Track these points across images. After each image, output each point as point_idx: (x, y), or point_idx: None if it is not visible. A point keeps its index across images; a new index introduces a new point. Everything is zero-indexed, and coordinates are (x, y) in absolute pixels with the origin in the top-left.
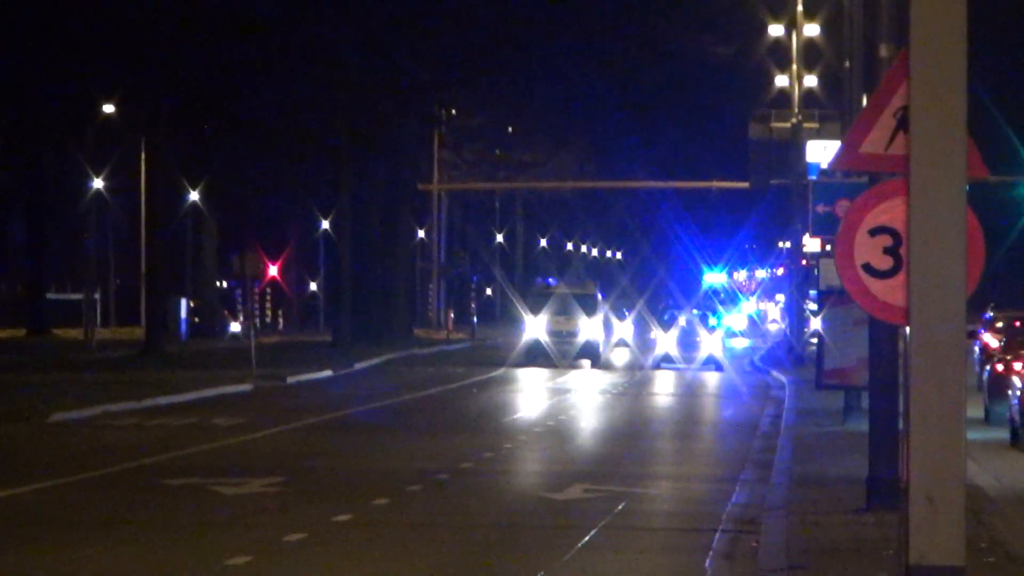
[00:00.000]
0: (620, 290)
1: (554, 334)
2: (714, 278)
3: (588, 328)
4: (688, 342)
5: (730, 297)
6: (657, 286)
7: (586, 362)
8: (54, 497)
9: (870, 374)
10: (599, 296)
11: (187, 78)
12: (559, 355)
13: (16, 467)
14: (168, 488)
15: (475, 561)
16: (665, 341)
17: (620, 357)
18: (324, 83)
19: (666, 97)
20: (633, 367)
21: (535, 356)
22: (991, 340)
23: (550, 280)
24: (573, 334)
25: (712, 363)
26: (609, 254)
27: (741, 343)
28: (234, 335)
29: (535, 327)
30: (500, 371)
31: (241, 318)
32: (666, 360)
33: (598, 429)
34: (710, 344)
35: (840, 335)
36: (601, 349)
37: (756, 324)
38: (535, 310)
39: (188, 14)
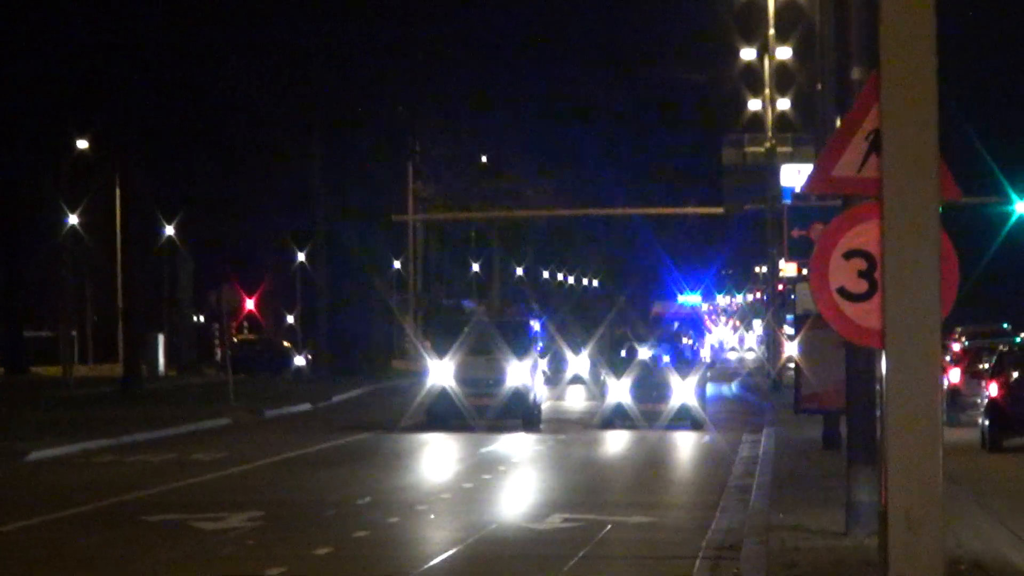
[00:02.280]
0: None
1: (467, 382)
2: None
3: (517, 372)
4: (650, 387)
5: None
6: (619, 314)
7: (516, 421)
8: (34, 535)
9: (847, 398)
10: (534, 326)
11: (159, 108)
12: (473, 412)
13: None
14: (148, 524)
15: None
16: (618, 388)
17: (573, 402)
18: (297, 111)
19: (638, 124)
20: (583, 421)
21: (440, 412)
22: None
23: (466, 302)
24: (495, 382)
25: (687, 418)
26: (586, 282)
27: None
28: (298, 368)
29: (441, 371)
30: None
31: (221, 353)
32: (619, 415)
33: None
34: (682, 391)
35: (817, 359)
36: (534, 400)
37: (718, 353)
38: (442, 345)
39: (158, 50)
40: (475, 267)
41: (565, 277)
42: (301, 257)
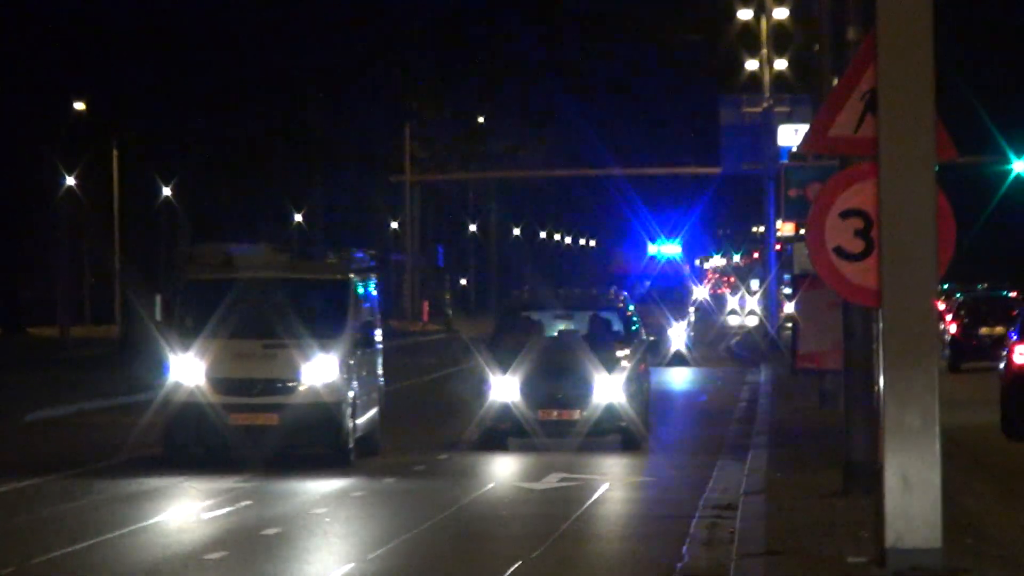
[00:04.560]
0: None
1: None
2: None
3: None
4: (556, 382)
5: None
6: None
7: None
8: (33, 495)
9: (844, 357)
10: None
11: (156, 74)
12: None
13: None
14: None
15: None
16: (504, 385)
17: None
18: (293, 72)
19: (636, 83)
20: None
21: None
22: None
23: (235, 249)
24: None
25: (615, 429)
26: (583, 242)
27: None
28: None
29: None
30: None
31: None
32: (507, 426)
33: None
34: (607, 387)
35: (814, 319)
36: (344, 422)
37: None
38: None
39: (157, 17)
40: (472, 227)
41: (563, 237)
42: (298, 218)
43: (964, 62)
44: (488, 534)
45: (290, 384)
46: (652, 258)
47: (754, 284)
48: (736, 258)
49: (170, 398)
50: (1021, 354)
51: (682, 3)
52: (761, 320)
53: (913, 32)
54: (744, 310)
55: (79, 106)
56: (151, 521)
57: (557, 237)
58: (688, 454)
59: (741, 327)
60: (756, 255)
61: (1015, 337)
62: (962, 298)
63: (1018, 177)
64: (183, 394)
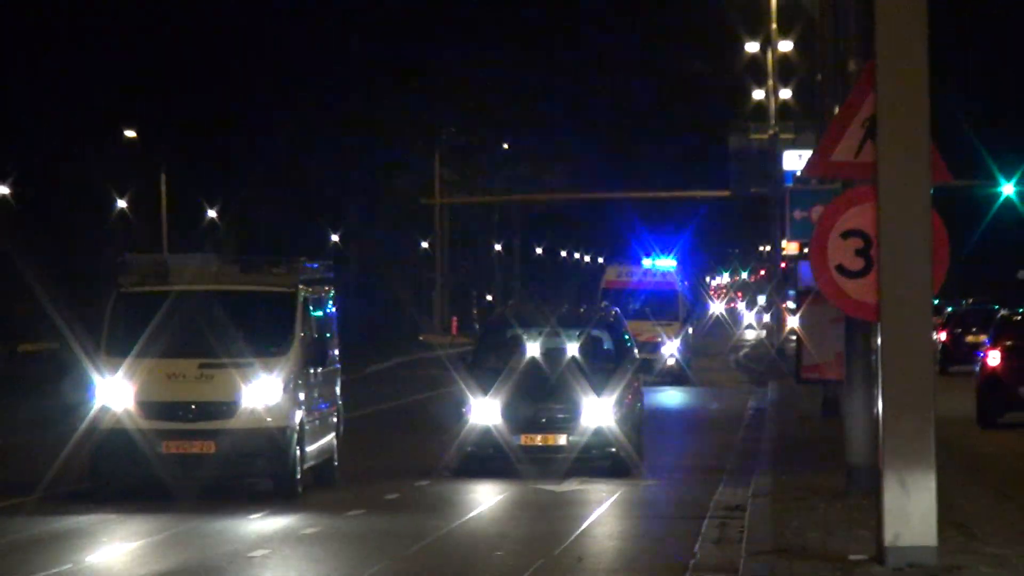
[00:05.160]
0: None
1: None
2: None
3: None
4: (540, 405)
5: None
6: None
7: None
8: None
9: (846, 368)
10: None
11: (201, 104)
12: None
13: None
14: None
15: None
16: (484, 408)
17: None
18: (333, 101)
19: (648, 112)
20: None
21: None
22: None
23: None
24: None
25: (604, 456)
26: (601, 260)
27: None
28: None
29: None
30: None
31: None
32: (488, 451)
33: None
34: (594, 411)
35: (817, 332)
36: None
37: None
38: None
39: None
40: (497, 247)
41: (581, 256)
42: (335, 238)
43: (955, 88)
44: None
45: (228, 408)
46: (648, 270)
47: (761, 299)
48: (744, 275)
49: (96, 425)
50: (993, 358)
51: (692, 36)
52: (774, 331)
53: (910, 63)
54: (760, 324)
55: (130, 133)
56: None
57: (576, 256)
58: (693, 479)
59: (757, 339)
60: (763, 272)
61: (989, 343)
62: (952, 311)
63: (1007, 199)
64: (110, 420)
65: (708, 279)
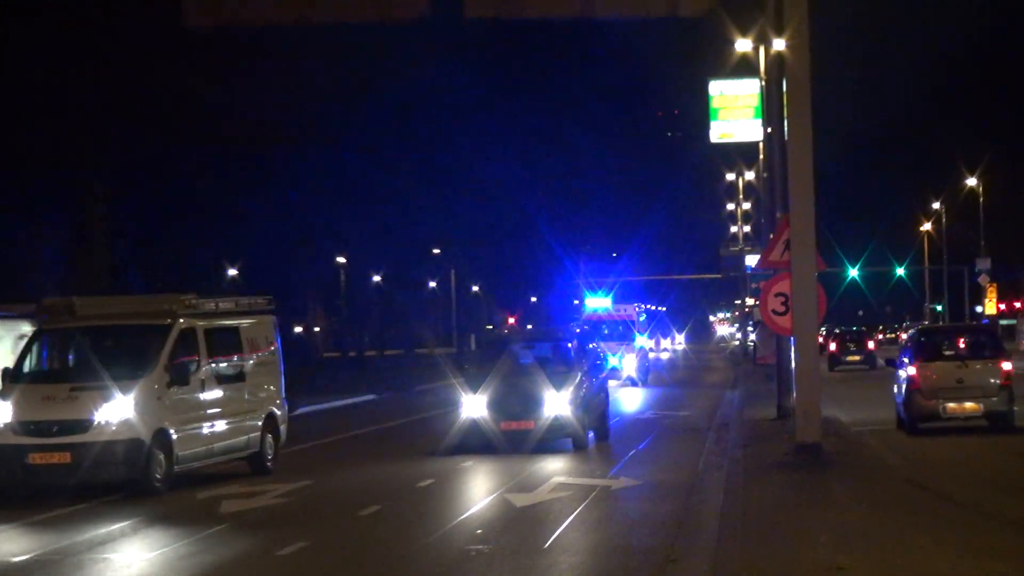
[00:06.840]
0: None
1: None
2: (597, 303)
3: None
4: (515, 398)
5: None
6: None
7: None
8: None
9: (777, 358)
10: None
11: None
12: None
13: None
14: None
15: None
16: (473, 403)
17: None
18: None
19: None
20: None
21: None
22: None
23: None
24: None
25: (563, 435)
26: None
27: (634, 396)
28: None
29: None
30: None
31: None
32: (474, 437)
33: None
34: (555, 401)
35: (763, 340)
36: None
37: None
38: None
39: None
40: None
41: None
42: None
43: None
44: None
45: (83, 424)
46: (582, 309)
47: (735, 328)
48: (728, 315)
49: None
50: (911, 374)
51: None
52: (743, 342)
53: (805, 217)
54: (733, 337)
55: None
56: None
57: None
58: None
59: (732, 342)
60: (737, 313)
61: (908, 359)
62: (836, 331)
63: (852, 279)
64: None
65: (711, 316)
